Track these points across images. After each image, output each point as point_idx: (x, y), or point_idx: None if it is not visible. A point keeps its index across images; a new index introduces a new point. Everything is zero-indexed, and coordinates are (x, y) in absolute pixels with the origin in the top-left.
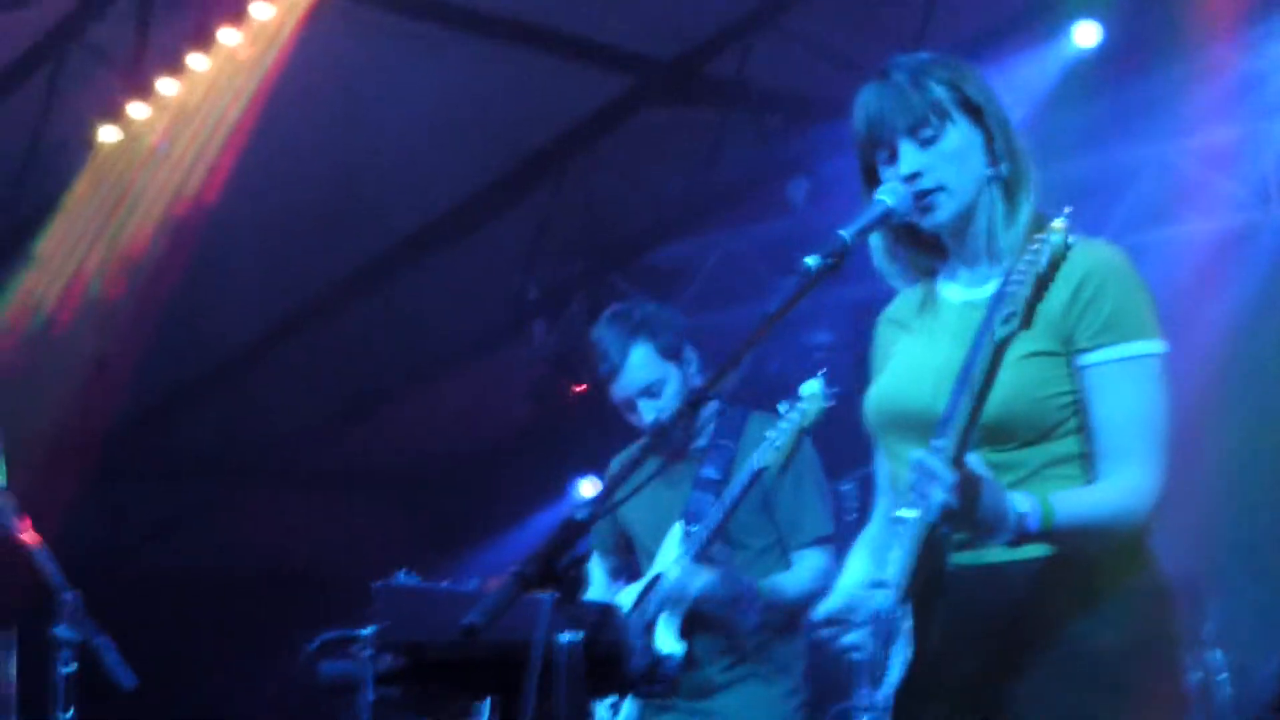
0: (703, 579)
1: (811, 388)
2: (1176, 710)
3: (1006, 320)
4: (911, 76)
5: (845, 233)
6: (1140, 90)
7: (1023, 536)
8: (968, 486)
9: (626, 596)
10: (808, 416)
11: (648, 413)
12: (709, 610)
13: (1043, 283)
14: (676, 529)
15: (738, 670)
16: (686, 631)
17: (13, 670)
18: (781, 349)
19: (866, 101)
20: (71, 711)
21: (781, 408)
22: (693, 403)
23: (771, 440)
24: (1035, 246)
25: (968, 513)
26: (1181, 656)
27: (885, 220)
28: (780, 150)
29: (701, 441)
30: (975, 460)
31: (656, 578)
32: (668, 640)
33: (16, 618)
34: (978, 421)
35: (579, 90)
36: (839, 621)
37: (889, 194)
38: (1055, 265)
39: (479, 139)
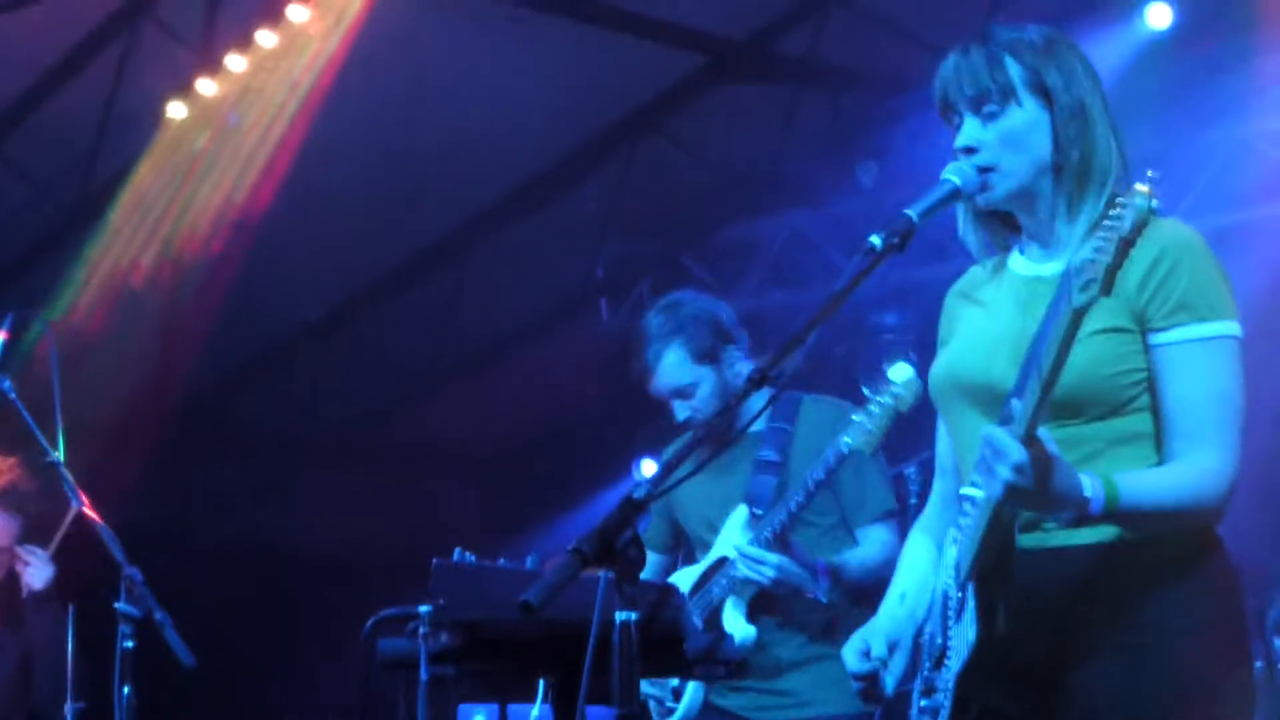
0: (777, 559)
1: (904, 373)
2: (1241, 697)
3: (1085, 287)
4: (991, 52)
5: (911, 211)
6: (1213, 72)
7: (1085, 517)
8: (1039, 463)
9: (684, 579)
10: (903, 401)
11: (680, 412)
12: (782, 591)
13: (1126, 247)
14: (739, 512)
15: (807, 649)
16: (754, 613)
17: (71, 646)
18: (848, 331)
19: (943, 70)
20: (132, 687)
21: (866, 390)
22: (755, 381)
23: (861, 423)
24: (1117, 211)
25: (1037, 491)
26: (1247, 643)
27: (952, 199)
28: (851, 129)
29: (756, 425)
30: (1047, 436)
31: (721, 560)
32: (736, 622)
33: (77, 593)
34: (1051, 393)
35: (650, 68)
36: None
37: (956, 173)
38: (1139, 229)
39: (549, 117)
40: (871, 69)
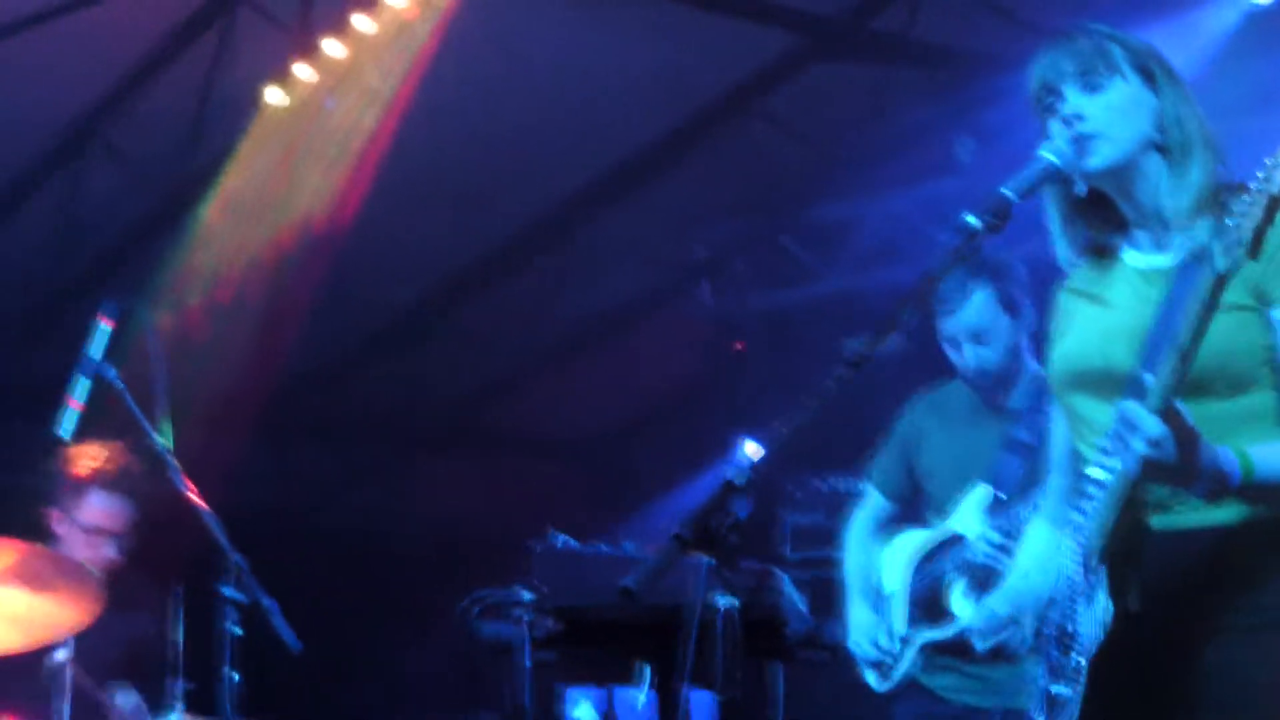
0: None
1: None
2: None
3: (1228, 250)
4: (1092, 36)
5: (1008, 190)
6: None
7: (1222, 489)
8: (1177, 435)
9: (911, 541)
10: None
11: (970, 357)
12: None
13: (1275, 206)
14: (981, 491)
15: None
16: (981, 596)
17: (179, 632)
18: None
19: (1041, 54)
20: (237, 671)
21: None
22: (856, 363)
23: None
24: (1263, 174)
25: (1175, 464)
26: None
27: (1048, 177)
28: (948, 106)
29: (1020, 402)
30: (1184, 409)
31: (956, 538)
32: (962, 605)
33: (182, 579)
34: (1190, 362)
35: (746, 47)
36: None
37: (1052, 151)
38: None
39: (645, 98)
40: (968, 46)
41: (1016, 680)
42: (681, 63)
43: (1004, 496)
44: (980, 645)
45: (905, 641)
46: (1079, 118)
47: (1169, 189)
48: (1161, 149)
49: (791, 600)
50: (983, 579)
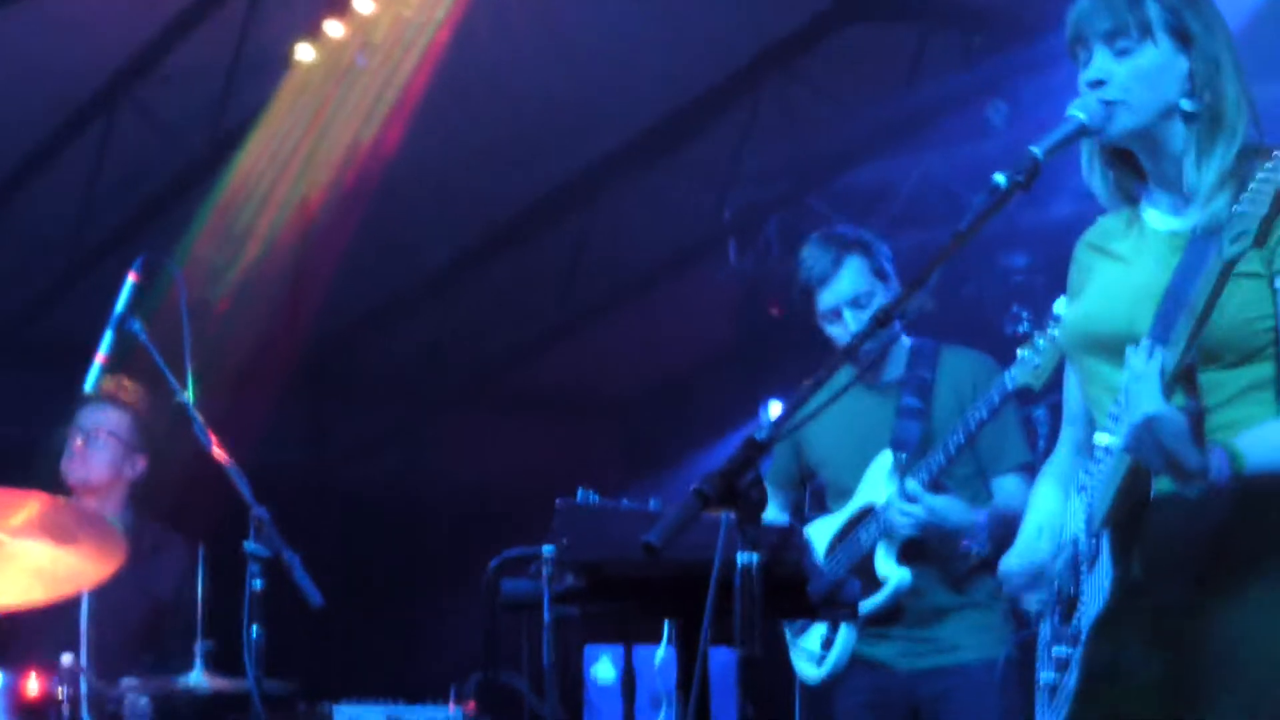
0: (944, 501)
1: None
2: None
3: (1237, 239)
4: None
5: (1037, 149)
6: None
7: (1213, 488)
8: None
9: (825, 526)
10: None
11: (853, 323)
12: (935, 537)
13: None
14: (884, 458)
15: (955, 596)
16: (904, 560)
17: (202, 586)
18: (977, 271)
19: (1080, 2)
20: (261, 627)
21: (1027, 326)
22: (881, 320)
23: (1028, 360)
24: (1271, 164)
25: (1160, 448)
26: None
27: (1077, 136)
28: (982, 70)
29: (895, 373)
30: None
31: (868, 508)
32: (890, 566)
33: (206, 534)
34: (1196, 343)
35: (779, 8)
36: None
37: (1081, 108)
38: None
39: (677, 59)
40: (1002, 7)
41: (956, 636)
42: (714, 24)
43: (905, 457)
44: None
45: (833, 625)
46: (1102, 82)
47: (1192, 162)
48: (1189, 116)
49: (813, 558)
50: (905, 539)
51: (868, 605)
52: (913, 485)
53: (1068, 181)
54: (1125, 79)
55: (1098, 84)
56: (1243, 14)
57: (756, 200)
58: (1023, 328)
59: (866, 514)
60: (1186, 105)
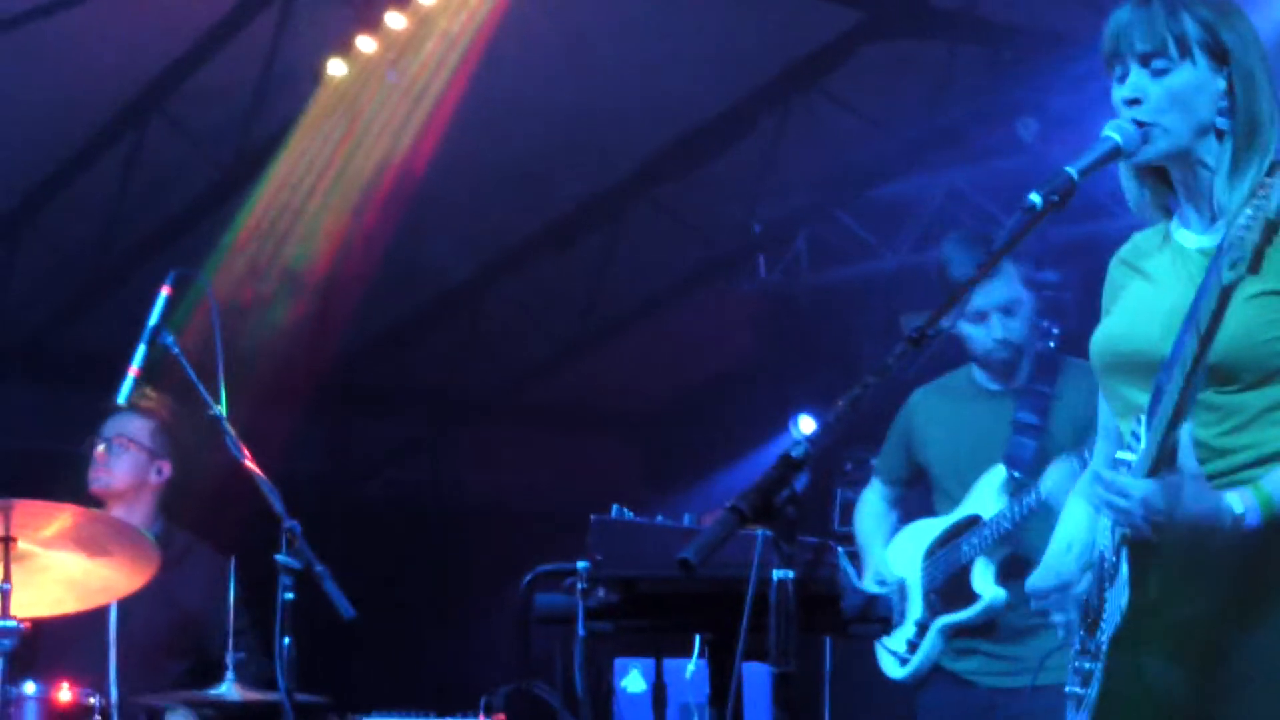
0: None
1: None
2: None
3: (1233, 265)
4: (1170, 4)
5: (1072, 170)
6: None
7: (1244, 538)
8: (1169, 497)
9: (928, 530)
10: None
11: (997, 329)
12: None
13: (1270, 229)
14: (996, 472)
15: (1037, 618)
16: (1003, 576)
17: (234, 597)
18: None
19: (1118, 16)
20: (292, 638)
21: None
22: (917, 340)
23: None
24: (1264, 192)
25: (1169, 523)
26: None
27: (1112, 157)
28: (1011, 85)
29: (1018, 381)
30: (1186, 458)
31: (973, 519)
32: (986, 584)
33: (238, 546)
34: (1200, 368)
35: (807, 24)
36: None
37: (1116, 130)
38: None
39: (706, 75)
40: (1030, 23)
41: (1041, 657)
42: (743, 39)
43: (1019, 476)
44: (1021, 621)
45: (923, 627)
46: (1138, 101)
47: (1224, 179)
48: (1222, 134)
49: (847, 574)
50: (1005, 557)
51: (958, 618)
52: (1000, 505)
53: (1100, 198)
54: (1160, 100)
55: (1133, 102)
56: (1274, 27)
57: (785, 214)
58: (1053, 344)
59: (971, 524)
60: (1222, 124)
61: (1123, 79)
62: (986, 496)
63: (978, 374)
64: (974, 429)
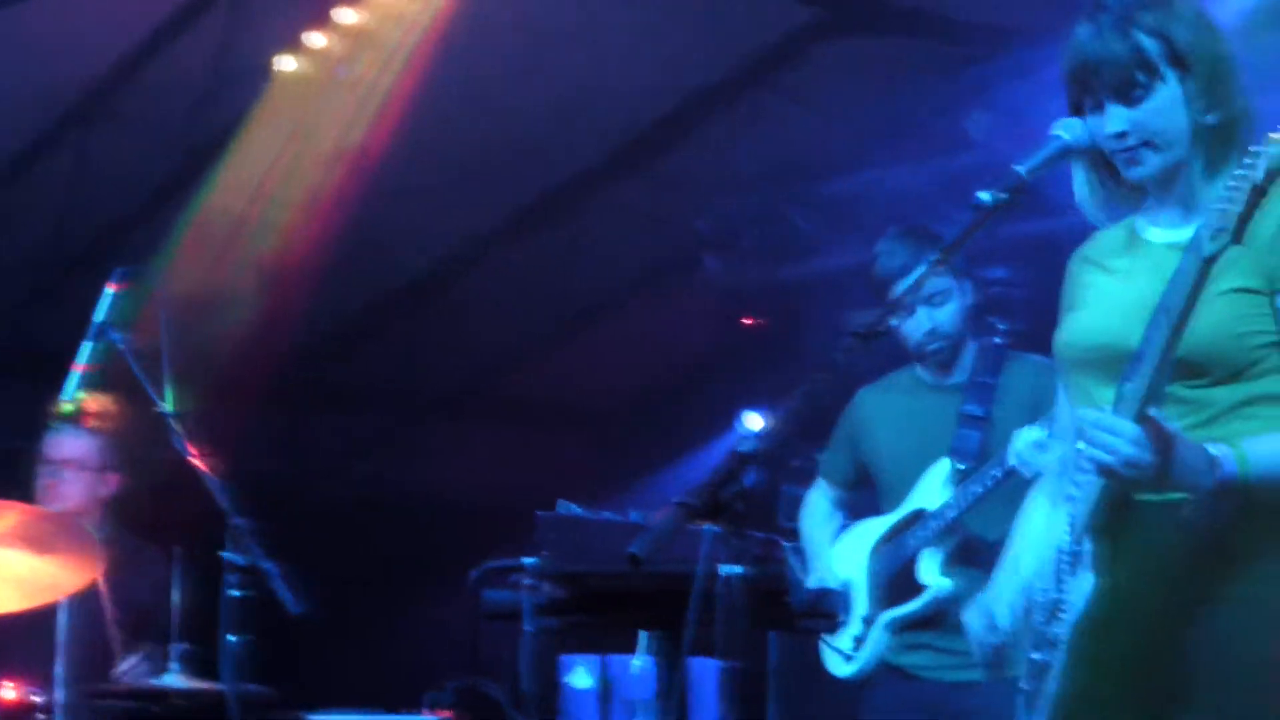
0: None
1: None
2: None
3: (1215, 236)
4: (1119, 24)
5: (1022, 168)
6: None
7: (1219, 489)
8: (1158, 440)
9: (874, 528)
10: None
11: (924, 320)
12: (990, 536)
13: (1258, 195)
14: (941, 465)
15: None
16: (950, 566)
17: (177, 594)
18: None
19: (1078, 49)
20: (238, 635)
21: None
22: (865, 336)
23: None
24: (1249, 160)
25: (1161, 468)
26: None
27: (1062, 156)
28: (961, 82)
29: (959, 378)
30: (1162, 415)
31: (918, 513)
32: (933, 575)
33: (185, 542)
34: (1175, 350)
35: (760, 21)
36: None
37: (1066, 129)
38: (1273, 177)
39: (657, 71)
40: (981, 19)
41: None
42: (696, 35)
43: (963, 467)
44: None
45: (869, 623)
46: (1125, 133)
47: (1200, 173)
48: (1200, 135)
49: (794, 569)
50: (953, 545)
51: (904, 611)
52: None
53: (1048, 196)
54: (1148, 121)
55: (1121, 136)
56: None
57: (735, 211)
58: (1000, 340)
59: (916, 518)
60: (1210, 120)
61: (1094, 109)
62: (931, 490)
63: (921, 371)
64: (919, 426)
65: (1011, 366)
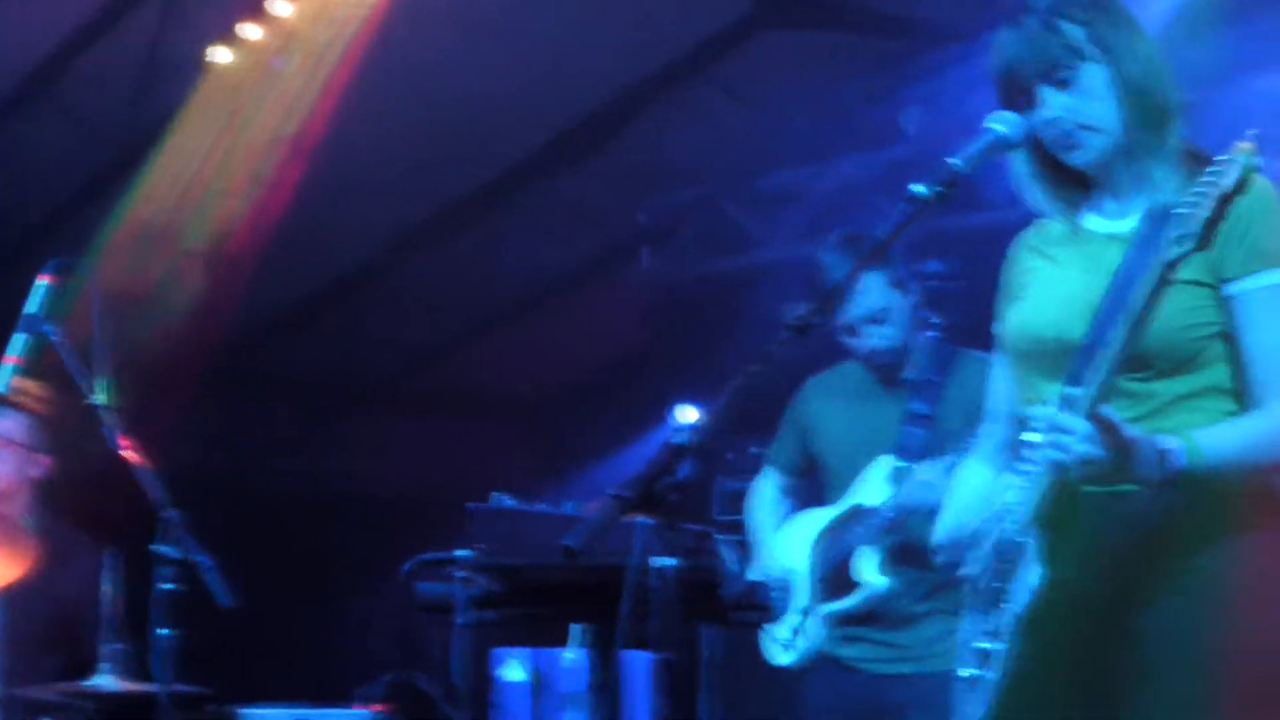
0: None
1: None
2: None
3: (1179, 241)
4: (1044, 19)
5: (956, 161)
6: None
7: (1169, 478)
8: (1112, 437)
9: (816, 520)
10: None
11: (871, 339)
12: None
13: (1224, 203)
14: (884, 462)
15: (925, 605)
16: (887, 564)
17: (114, 588)
18: None
19: (1002, 48)
20: (170, 629)
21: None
22: (800, 329)
23: None
24: (1218, 167)
25: (1114, 463)
26: None
27: (996, 148)
28: (896, 76)
29: (908, 374)
30: (1111, 410)
31: (858, 508)
32: (870, 572)
33: (118, 536)
34: (1133, 348)
35: (695, 13)
36: (959, 546)
37: (1000, 122)
38: (1242, 186)
39: (594, 62)
40: (915, 14)
41: (925, 644)
42: (630, 28)
43: (905, 465)
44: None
45: (807, 614)
46: (1059, 118)
47: (1153, 153)
48: (1134, 120)
49: (727, 562)
50: (892, 545)
51: (840, 606)
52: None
53: (984, 189)
54: (1081, 104)
55: (1054, 122)
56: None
57: (671, 203)
58: (935, 334)
59: (857, 514)
60: (1140, 105)
61: (1030, 104)
62: (873, 486)
63: (862, 370)
64: (867, 420)
65: (960, 365)
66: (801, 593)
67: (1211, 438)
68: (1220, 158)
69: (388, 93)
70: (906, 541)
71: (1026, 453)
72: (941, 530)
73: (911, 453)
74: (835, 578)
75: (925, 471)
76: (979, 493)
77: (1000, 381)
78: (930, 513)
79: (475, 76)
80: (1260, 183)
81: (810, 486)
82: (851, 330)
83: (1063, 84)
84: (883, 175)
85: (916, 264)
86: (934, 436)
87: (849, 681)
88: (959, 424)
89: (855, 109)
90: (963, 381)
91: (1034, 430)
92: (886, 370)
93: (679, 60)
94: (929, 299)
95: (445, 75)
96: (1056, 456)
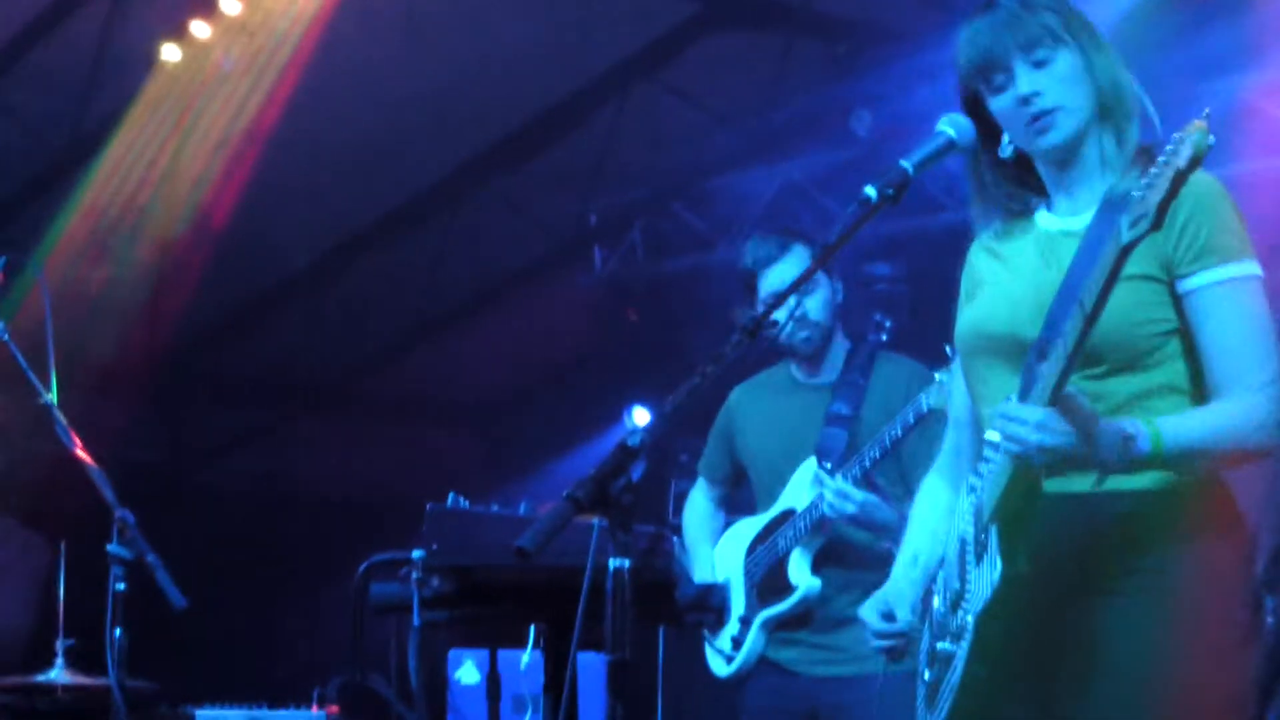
0: (863, 496)
1: None
2: (1242, 648)
3: (1135, 223)
4: (1021, 3)
5: (906, 163)
6: (1209, 23)
7: (1132, 463)
8: (1077, 418)
9: (748, 528)
10: None
11: (791, 303)
12: (860, 525)
13: (1179, 181)
14: (809, 465)
15: (859, 607)
16: (818, 566)
17: (61, 588)
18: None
19: (977, 30)
20: (120, 630)
21: (950, 349)
22: (751, 331)
23: (945, 384)
24: (1171, 147)
25: (1078, 448)
26: (1252, 596)
27: (947, 151)
28: (846, 79)
29: (829, 377)
30: (1076, 390)
31: (788, 512)
32: (802, 574)
33: (68, 535)
34: (1090, 334)
35: (644, 14)
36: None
37: (950, 125)
38: (1195, 164)
39: (542, 64)
40: (866, 16)
41: (861, 645)
42: (578, 29)
43: (829, 466)
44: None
45: (746, 623)
46: (1036, 95)
47: (1114, 145)
48: (1104, 113)
49: (681, 564)
50: (820, 546)
51: (777, 610)
52: (840, 482)
53: (934, 192)
54: (1055, 85)
55: (1029, 99)
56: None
57: (621, 205)
58: (884, 337)
59: (786, 518)
60: (1110, 93)
61: (1005, 86)
62: (799, 489)
63: (794, 369)
64: (789, 423)
65: (883, 367)
66: (739, 602)
67: (1174, 424)
68: (1175, 135)
69: (336, 93)
70: (833, 540)
71: (987, 451)
72: (869, 607)
73: (833, 455)
74: (771, 583)
75: (840, 482)
76: (925, 545)
77: (959, 386)
78: (850, 520)
79: (423, 78)
80: (1208, 179)
81: (745, 495)
82: (777, 297)
83: (1039, 64)
84: (833, 178)
85: (865, 266)
86: (855, 437)
87: (787, 684)
88: (880, 424)
89: (805, 112)
90: (885, 382)
91: (992, 428)
92: (807, 352)
93: (628, 61)
94: (878, 301)
95: (394, 76)
96: (1013, 449)
